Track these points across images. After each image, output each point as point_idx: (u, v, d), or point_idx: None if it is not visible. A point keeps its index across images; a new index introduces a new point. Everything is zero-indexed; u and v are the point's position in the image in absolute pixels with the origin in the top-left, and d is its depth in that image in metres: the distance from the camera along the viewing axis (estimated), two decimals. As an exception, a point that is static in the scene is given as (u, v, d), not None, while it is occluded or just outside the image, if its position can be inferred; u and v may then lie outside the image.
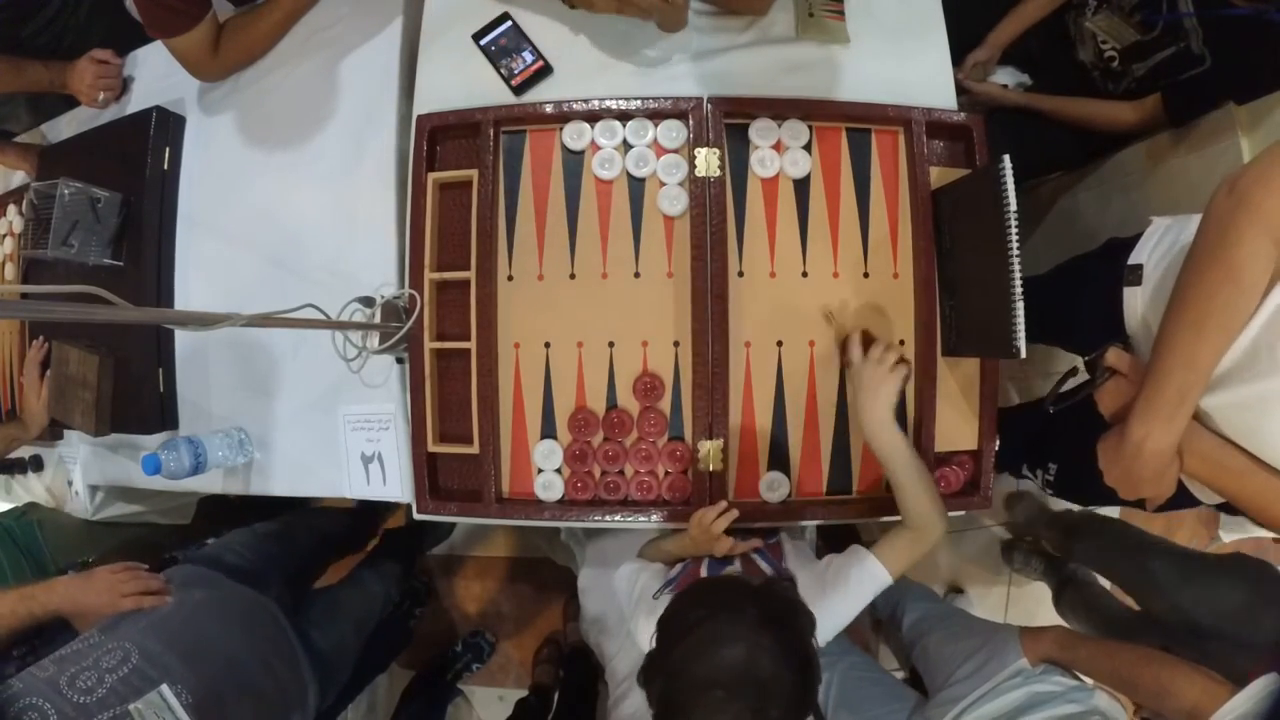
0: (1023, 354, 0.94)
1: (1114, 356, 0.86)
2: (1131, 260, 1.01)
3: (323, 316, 1.00)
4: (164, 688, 0.92)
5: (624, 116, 1.14)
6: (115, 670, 0.92)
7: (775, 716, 0.73)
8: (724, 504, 1.05)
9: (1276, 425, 0.74)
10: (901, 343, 1.14)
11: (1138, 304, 0.99)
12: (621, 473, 1.15)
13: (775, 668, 0.74)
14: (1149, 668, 0.96)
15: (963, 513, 1.16)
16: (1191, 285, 0.74)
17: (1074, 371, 0.92)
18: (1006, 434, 1.15)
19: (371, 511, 1.88)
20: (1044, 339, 1.25)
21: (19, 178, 1.55)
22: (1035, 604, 1.96)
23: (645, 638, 0.93)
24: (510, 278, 1.15)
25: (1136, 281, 0.99)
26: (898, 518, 1.03)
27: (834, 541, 1.84)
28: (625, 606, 1.09)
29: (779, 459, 1.15)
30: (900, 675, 1.44)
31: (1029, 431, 1.33)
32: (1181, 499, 0.88)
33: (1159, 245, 0.99)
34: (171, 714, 0.91)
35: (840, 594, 0.99)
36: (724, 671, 0.73)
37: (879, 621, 1.76)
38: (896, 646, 1.72)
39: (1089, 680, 1.09)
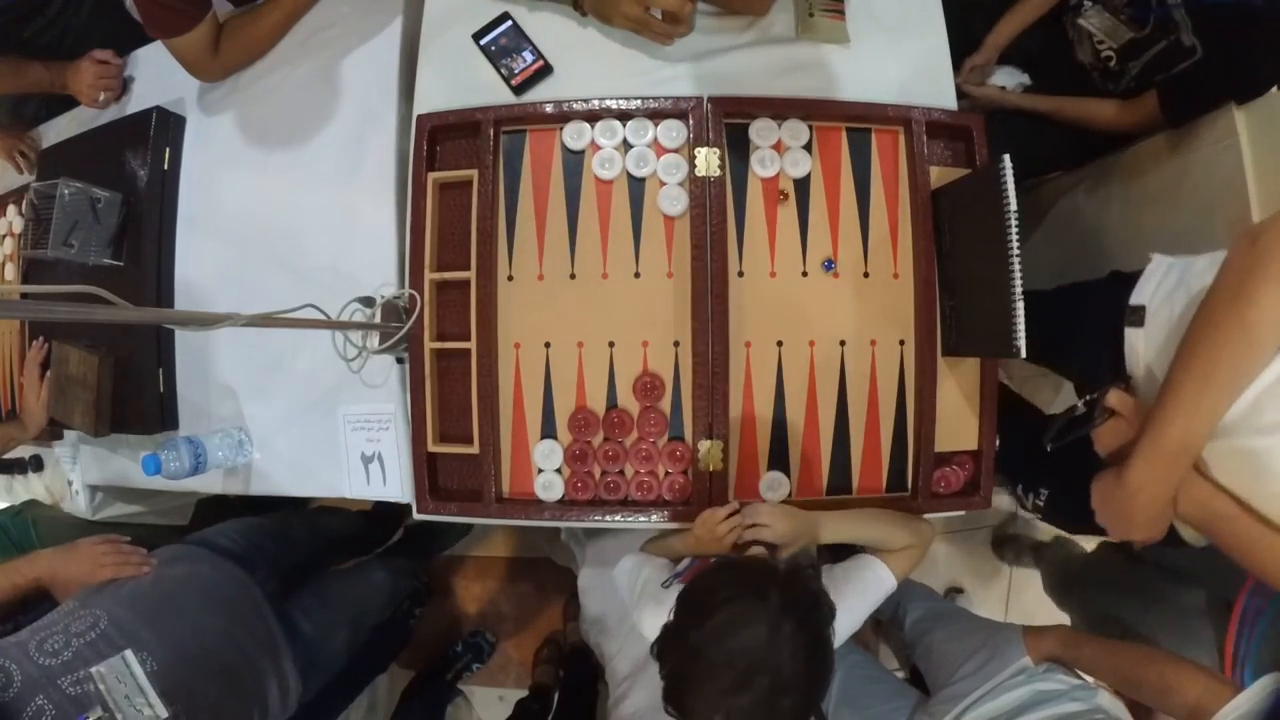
0: (1023, 353, 0.94)
1: (1115, 399, 0.85)
2: (1133, 300, 1.00)
3: (323, 316, 1.00)
4: (128, 653, 0.93)
5: (624, 116, 1.14)
6: (83, 635, 0.92)
7: (786, 705, 0.73)
8: (735, 504, 1.04)
9: (1270, 478, 0.73)
10: (901, 343, 1.14)
11: (1139, 346, 0.97)
12: (622, 473, 1.15)
13: (792, 656, 0.74)
14: (1152, 666, 0.96)
15: (962, 513, 1.16)
16: (1203, 336, 0.73)
17: (1074, 410, 0.92)
18: (1011, 442, 1.13)
19: (387, 515, 1.87)
20: (1041, 359, 1.24)
21: (19, 177, 1.55)
22: (1035, 603, 1.96)
23: (650, 626, 0.93)
24: (510, 278, 1.15)
25: (1138, 323, 0.98)
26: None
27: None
28: (627, 598, 1.09)
29: (779, 459, 1.14)
30: (900, 676, 1.44)
31: (1028, 450, 1.32)
32: (1169, 541, 0.87)
33: (1160, 286, 0.97)
34: (133, 679, 0.91)
35: (854, 596, 1.00)
36: (741, 655, 0.74)
37: (879, 622, 1.76)
38: (897, 647, 1.72)
39: (1091, 679, 1.09)
